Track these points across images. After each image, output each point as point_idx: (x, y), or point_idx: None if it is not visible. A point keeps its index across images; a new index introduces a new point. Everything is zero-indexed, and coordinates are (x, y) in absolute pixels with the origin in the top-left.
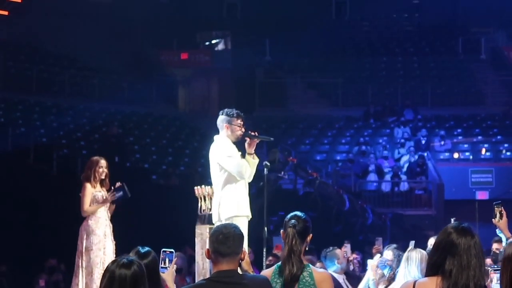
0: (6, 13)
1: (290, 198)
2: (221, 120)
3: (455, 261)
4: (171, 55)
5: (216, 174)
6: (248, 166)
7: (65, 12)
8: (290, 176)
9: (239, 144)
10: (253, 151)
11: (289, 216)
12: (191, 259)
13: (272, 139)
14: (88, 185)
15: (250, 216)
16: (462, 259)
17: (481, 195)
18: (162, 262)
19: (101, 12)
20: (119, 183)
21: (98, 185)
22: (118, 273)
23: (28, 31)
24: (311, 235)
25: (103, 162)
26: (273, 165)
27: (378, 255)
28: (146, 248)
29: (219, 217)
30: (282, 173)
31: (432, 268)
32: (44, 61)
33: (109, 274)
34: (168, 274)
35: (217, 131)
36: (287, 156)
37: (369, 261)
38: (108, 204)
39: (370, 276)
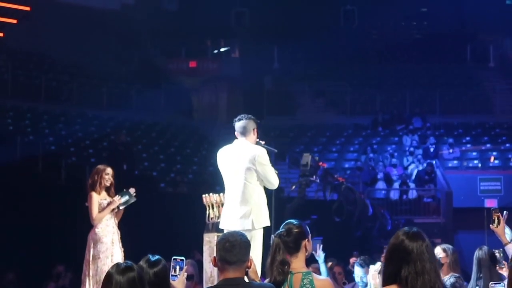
0: (15, 21)
1: (319, 203)
2: (251, 124)
3: (410, 268)
4: (179, 63)
5: (245, 179)
6: None
7: (74, 20)
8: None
9: None
10: None
11: (283, 223)
12: (199, 264)
13: (276, 150)
14: (93, 194)
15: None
16: (416, 265)
17: (490, 203)
18: (173, 270)
19: (110, 20)
20: (125, 190)
21: (104, 193)
22: (119, 279)
23: (36, 40)
24: (306, 240)
25: (109, 170)
26: (305, 169)
27: (379, 262)
28: (156, 256)
29: (253, 225)
30: (314, 177)
31: (389, 277)
32: (53, 69)
33: (114, 282)
34: (178, 282)
35: (225, 139)
36: (318, 160)
37: (371, 267)
38: (115, 210)
39: (370, 282)
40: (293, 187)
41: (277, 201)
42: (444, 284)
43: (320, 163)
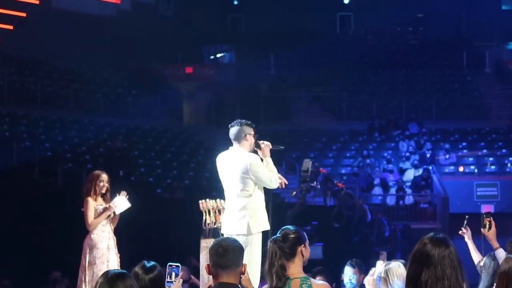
0: (11, 27)
1: (320, 209)
2: (243, 130)
3: (430, 272)
4: (175, 69)
5: (240, 186)
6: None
7: (70, 26)
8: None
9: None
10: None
11: (280, 229)
12: (196, 270)
13: (282, 147)
14: (89, 199)
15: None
16: (436, 270)
17: (486, 209)
18: (168, 277)
19: (106, 26)
20: (118, 194)
21: (100, 199)
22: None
23: (32, 46)
24: (302, 245)
25: (104, 176)
26: (306, 175)
27: (373, 268)
28: (152, 263)
29: (249, 230)
30: (315, 183)
31: (411, 281)
32: (49, 75)
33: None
34: None
35: (221, 144)
36: (318, 166)
37: (366, 279)
38: (111, 216)
39: (366, 286)
40: (294, 193)
41: (276, 206)
42: None
43: (321, 169)
